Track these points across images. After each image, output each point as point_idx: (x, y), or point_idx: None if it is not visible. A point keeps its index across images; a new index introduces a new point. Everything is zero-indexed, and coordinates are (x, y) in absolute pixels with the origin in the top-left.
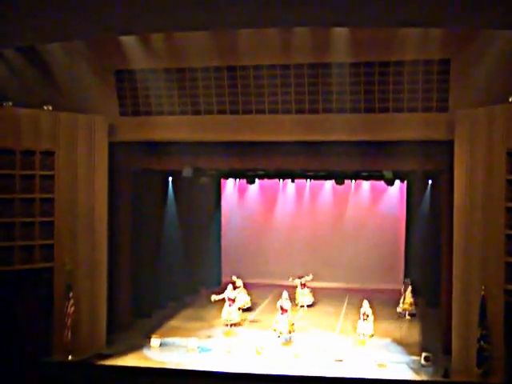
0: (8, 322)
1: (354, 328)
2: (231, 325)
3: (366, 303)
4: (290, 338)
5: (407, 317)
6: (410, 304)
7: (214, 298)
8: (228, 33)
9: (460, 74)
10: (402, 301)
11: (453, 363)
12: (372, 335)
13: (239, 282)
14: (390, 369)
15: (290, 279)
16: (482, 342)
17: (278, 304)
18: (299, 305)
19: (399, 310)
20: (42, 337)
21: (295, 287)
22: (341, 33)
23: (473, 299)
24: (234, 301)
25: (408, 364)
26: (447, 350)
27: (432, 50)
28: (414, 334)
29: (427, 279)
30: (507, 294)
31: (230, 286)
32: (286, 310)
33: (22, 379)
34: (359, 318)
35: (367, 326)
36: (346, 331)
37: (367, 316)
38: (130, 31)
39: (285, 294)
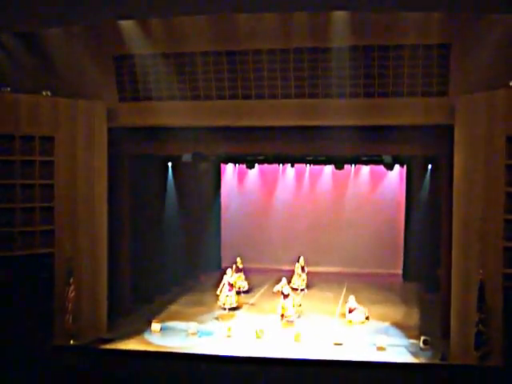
0: (9, 307)
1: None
2: (230, 309)
3: (351, 298)
4: (293, 320)
5: None
6: None
7: (218, 292)
8: (227, 17)
9: (460, 59)
10: None
11: (451, 346)
12: (363, 322)
13: (241, 265)
14: (388, 352)
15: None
16: (480, 326)
17: (276, 289)
18: (299, 289)
19: None
20: (43, 322)
21: (293, 271)
22: (340, 17)
23: (471, 283)
24: (233, 286)
25: (407, 347)
26: (446, 334)
27: (432, 34)
28: (413, 317)
29: (426, 263)
30: (505, 279)
31: (228, 271)
32: (288, 295)
33: (23, 364)
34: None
35: (357, 316)
36: (345, 315)
37: (354, 309)
38: (129, 16)
39: (283, 280)
